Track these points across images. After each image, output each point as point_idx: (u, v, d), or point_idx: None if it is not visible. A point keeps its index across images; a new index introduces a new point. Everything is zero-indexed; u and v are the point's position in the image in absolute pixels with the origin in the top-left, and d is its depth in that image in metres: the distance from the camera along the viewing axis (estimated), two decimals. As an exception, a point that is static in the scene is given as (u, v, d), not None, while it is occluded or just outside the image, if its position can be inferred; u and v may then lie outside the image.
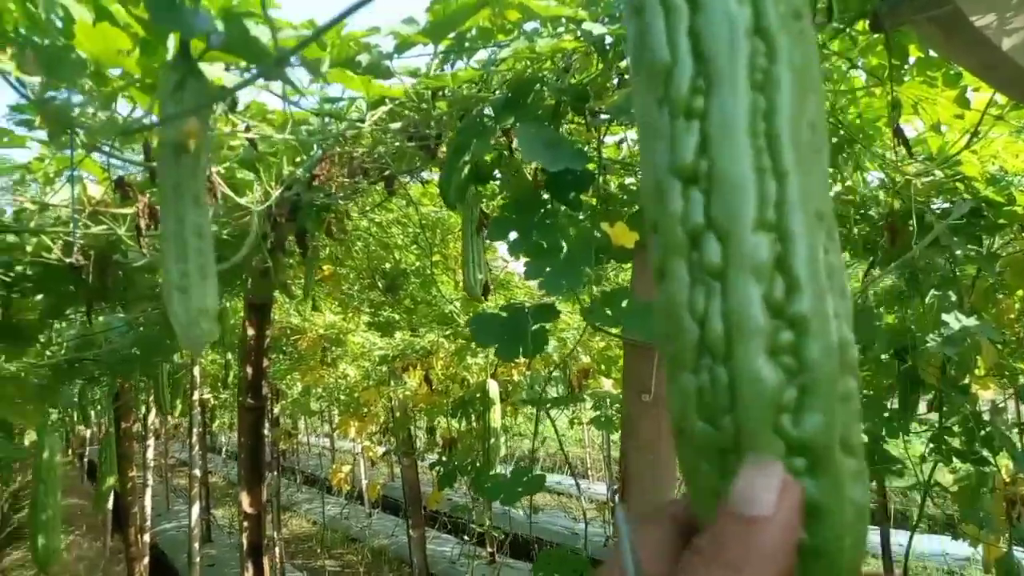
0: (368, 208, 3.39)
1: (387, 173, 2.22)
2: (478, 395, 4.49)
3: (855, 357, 0.35)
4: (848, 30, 1.27)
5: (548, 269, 1.15)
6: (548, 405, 4.15)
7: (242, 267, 2.32)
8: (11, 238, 1.82)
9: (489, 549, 10.25)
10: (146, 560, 7.17)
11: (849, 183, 1.85)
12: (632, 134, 1.61)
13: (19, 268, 1.98)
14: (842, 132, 1.58)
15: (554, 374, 5.48)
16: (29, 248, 1.87)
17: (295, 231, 2.30)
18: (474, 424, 4.71)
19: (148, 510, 7.85)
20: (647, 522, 0.36)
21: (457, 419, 5.05)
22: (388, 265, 3.99)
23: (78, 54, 0.85)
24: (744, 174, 0.34)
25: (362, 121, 1.46)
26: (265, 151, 1.89)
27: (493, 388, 4.02)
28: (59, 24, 0.93)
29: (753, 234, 0.33)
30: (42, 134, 1.58)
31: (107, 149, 1.26)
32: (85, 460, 18.15)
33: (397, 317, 4.76)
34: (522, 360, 4.33)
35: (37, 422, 2.74)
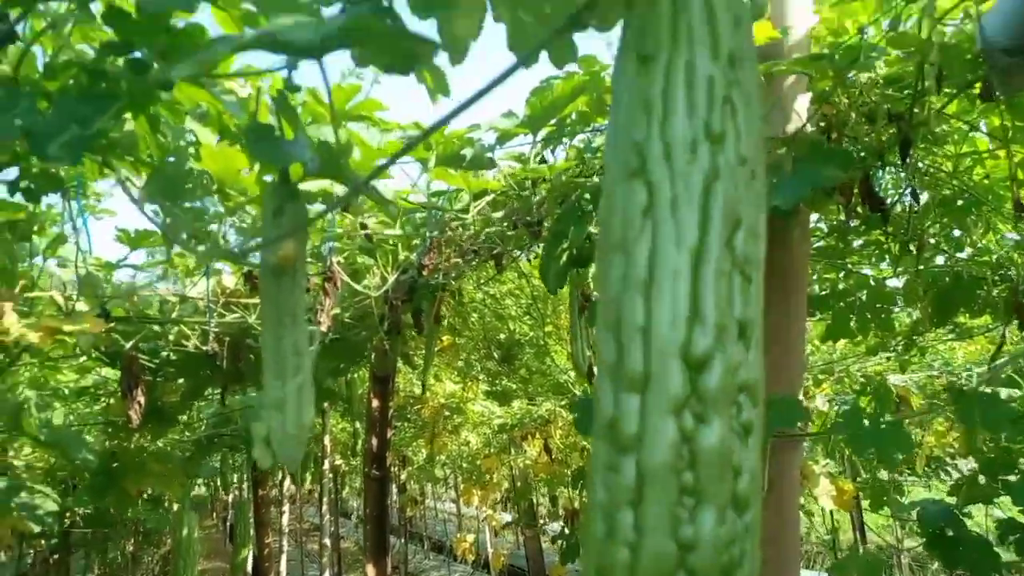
0: (483, 281, 3.47)
1: (496, 252, 2.28)
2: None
3: None
4: (963, 93, 1.21)
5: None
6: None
7: (364, 346, 2.42)
8: (156, 328, 1.99)
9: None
10: (282, 625, 7.39)
11: (980, 244, 1.72)
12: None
13: (163, 355, 2.16)
14: (967, 194, 1.48)
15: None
16: (171, 336, 2.03)
17: (411, 311, 2.38)
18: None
19: (283, 573, 8.11)
20: None
21: (578, 490, 4.96)
22: (503, 335, 4.05)
23: (203, 175, 0.94)
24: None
25: (466, 212, 1.52)
26: (381, 240, 1.99)
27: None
28: (188, 147, 1.03)
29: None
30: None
31: (236, 251, 1.37)
32: (228, 524, 19.05)
33: (514, 386, 4.79)
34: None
35: (180, 493, 2.92)
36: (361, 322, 2.16)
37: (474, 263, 2.27)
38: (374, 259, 2.08)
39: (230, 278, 2.04)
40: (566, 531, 4.74)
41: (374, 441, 3.67)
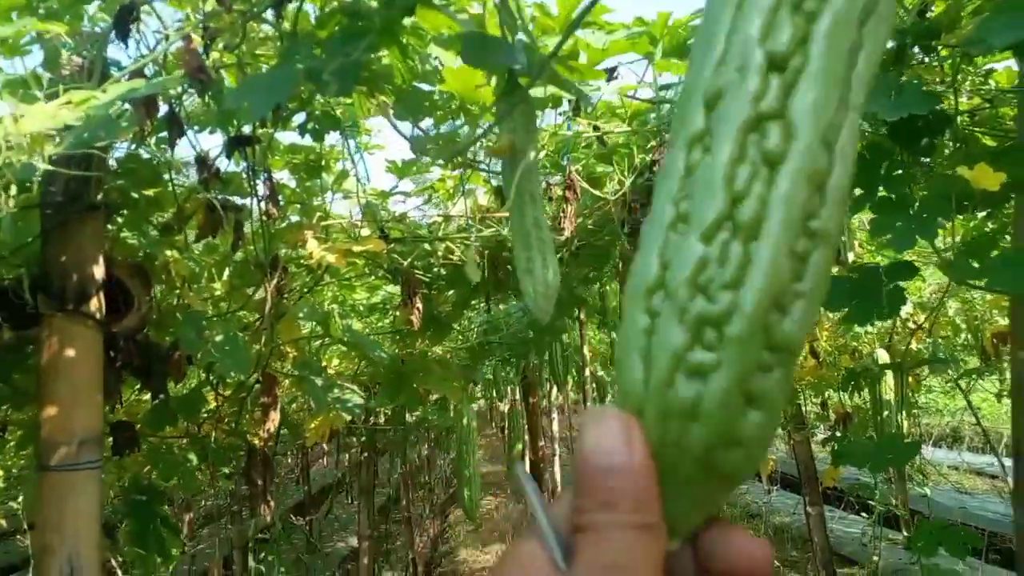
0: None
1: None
2: (867, 367, 4.17)
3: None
4: None
5: (898, 224, 1.07)
6: (956, 375, 3.67)
7: (608, 251, 2.51)
8: (426, 246, 2.24)
9: (905, 533, 9.32)
10: (560, 521, 8.01)
11: None
12: (995, 64, 1.40)
13: (434, 271, 2.42)
14: None
15: (965, 340, 4.84)
16: (440, 252, 2.28)
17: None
18: (867, 398, 4.37)
19: (558, 477, 8.75)
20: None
21: (848, 393, 4.73)
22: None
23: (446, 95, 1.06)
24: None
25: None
26: (616, 146, 2.04)
27: (883, 358, 3.70)
28: (433, 71, 1.16)
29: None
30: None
31: (485, 167, 1.51)
32: (504, 432, 20.74)
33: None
34: (924, 324, 3.90)
35: (460, 397, 3.29)
36: (603, 228, 2.24)
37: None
38: (611, 165, 2.13)
39: (484, 197, 2.22)
40: (835, 435, 4.57)
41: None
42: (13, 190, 1.14)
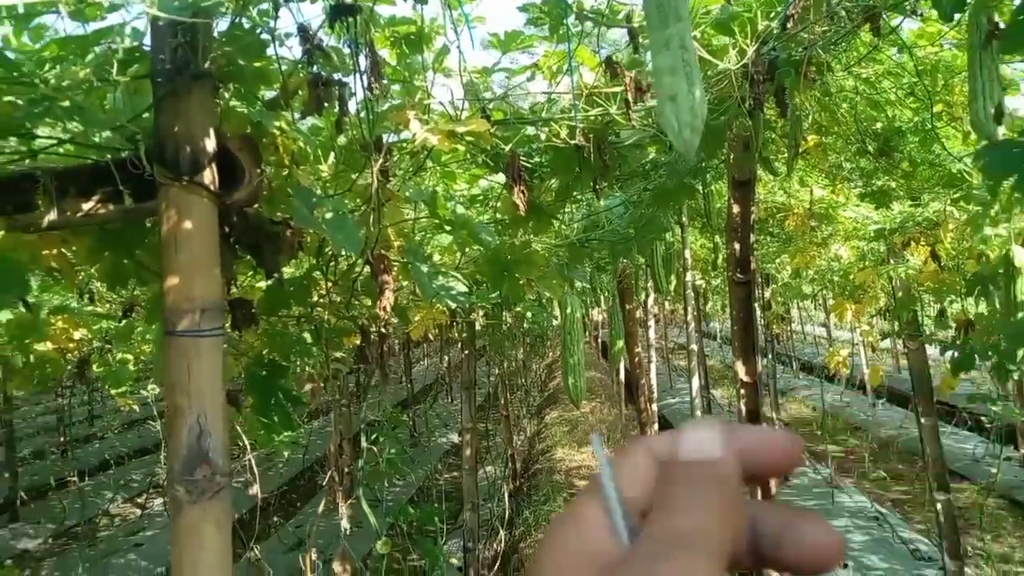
0: (852, 63, 3.10)
1: (871, 11, 2.01)
2: (1000, 269, 3.86)
3: None
4: None
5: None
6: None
7: (722, 133, 2.36)
8: (530, 130, 2.16)
9: (1022, 451, 8.92)
10: (656, 426, 8.08)
11: None
12: None
13: (535, 159, 2.35)
14: None
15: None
16: (543, 137, 2.20)
17: (773, 90, 2.24)
18: (996, 304, 4.08)
19: (654, 384, 8.76)
20: (625, 451, 0.39)
21: (975, 298, 4.43)
22: (880, 125, 3.62)
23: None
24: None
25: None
26: (740, 9, 1.88)
27: (1020, 256, 3.41)
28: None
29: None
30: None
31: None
32: (600, 342, 20.92)
33: (893, 184, 4.31)
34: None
35: (560, 294, 3.26)
36: (720, 105, 2.10)
37: (845, 27, 2.03)
38: (731, 36, 1.97)
39: (590, 74, 2.11)
40: (956, 341, 4.32)
41: (736, 247, 3.64)
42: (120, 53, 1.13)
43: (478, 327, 4.76)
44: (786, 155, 3.50)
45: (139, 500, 8.92)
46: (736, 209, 3.59)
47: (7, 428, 8.82)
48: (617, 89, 1.93)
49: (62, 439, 10.04)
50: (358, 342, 2.44)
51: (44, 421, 13.33)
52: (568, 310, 2.75)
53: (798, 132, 3.18)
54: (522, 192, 1.92)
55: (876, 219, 5.00)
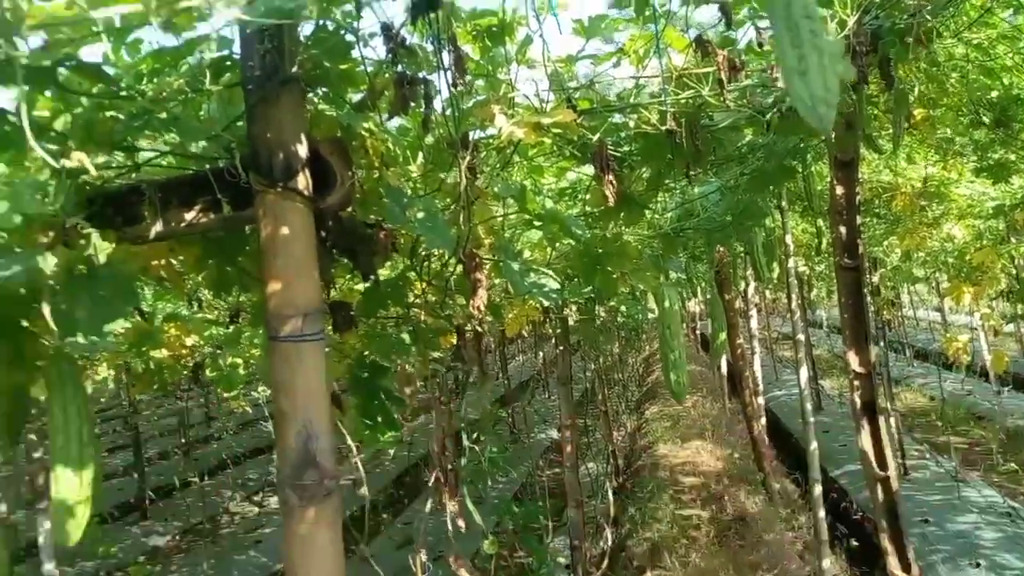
0: (963, 29, 2.88)
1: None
2: None
3: None
4: None
5: None
6: None
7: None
8: (617, 117, 2.11)
9: None
10: (763, 420, 7.80)
11: None
12: None
13: (624, 147, 2.29)
14: None
15: None
16: (631, 124, 2.14)
17: (877, 62, 2.11)
18: None
19: (759, 376, 8.46)
20: None
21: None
22: (995, 94, 3.36)
23: None
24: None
25: None
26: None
27: None
28: None
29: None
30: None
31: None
32: (698, 333, 20.43)
33: (1013, 157, 3.99)
34: None
35: (654, 286, 3.17)
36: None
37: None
38: (829, 5, 1.86)
39: (678, 57, 2.04)
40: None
41: (842, 230, 3.45)
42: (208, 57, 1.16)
43: (571, 323, 4.72)
44: (891, 131, 3.30)
45: (255, 498, 9.33)
46: (840, 191, 3.41)
47: (134, 431, 9.42)
48: (709, 69, 1.86)
49: (183, 440, 10.62)
50: (455, 341, 2.45)
51: (166, 424, 14.15)
52: (665, 303, 2.67)
53: (904, 106, 2.99)
54: (611, 182, 1.87)
55: (994, 195, 4.65)
